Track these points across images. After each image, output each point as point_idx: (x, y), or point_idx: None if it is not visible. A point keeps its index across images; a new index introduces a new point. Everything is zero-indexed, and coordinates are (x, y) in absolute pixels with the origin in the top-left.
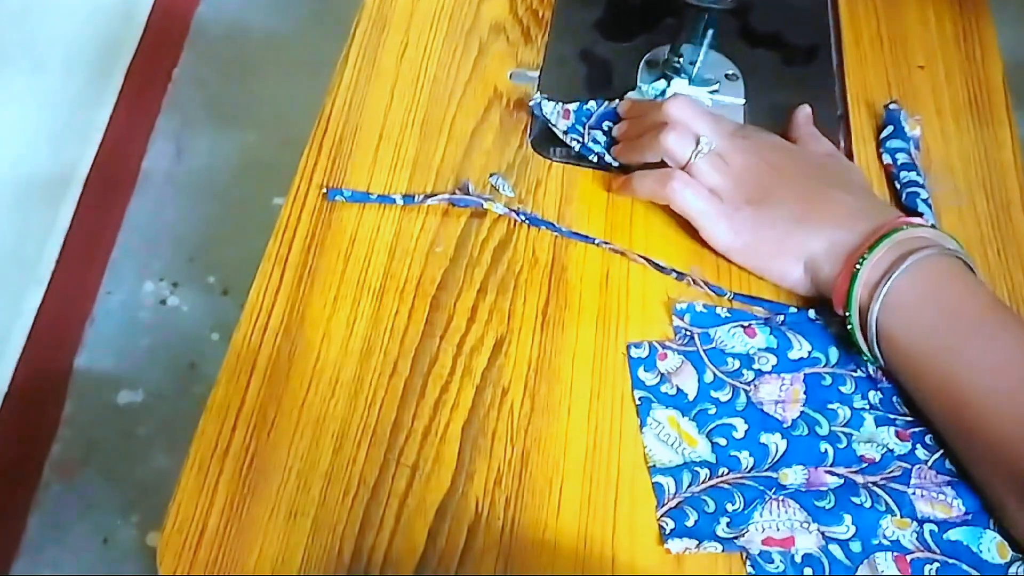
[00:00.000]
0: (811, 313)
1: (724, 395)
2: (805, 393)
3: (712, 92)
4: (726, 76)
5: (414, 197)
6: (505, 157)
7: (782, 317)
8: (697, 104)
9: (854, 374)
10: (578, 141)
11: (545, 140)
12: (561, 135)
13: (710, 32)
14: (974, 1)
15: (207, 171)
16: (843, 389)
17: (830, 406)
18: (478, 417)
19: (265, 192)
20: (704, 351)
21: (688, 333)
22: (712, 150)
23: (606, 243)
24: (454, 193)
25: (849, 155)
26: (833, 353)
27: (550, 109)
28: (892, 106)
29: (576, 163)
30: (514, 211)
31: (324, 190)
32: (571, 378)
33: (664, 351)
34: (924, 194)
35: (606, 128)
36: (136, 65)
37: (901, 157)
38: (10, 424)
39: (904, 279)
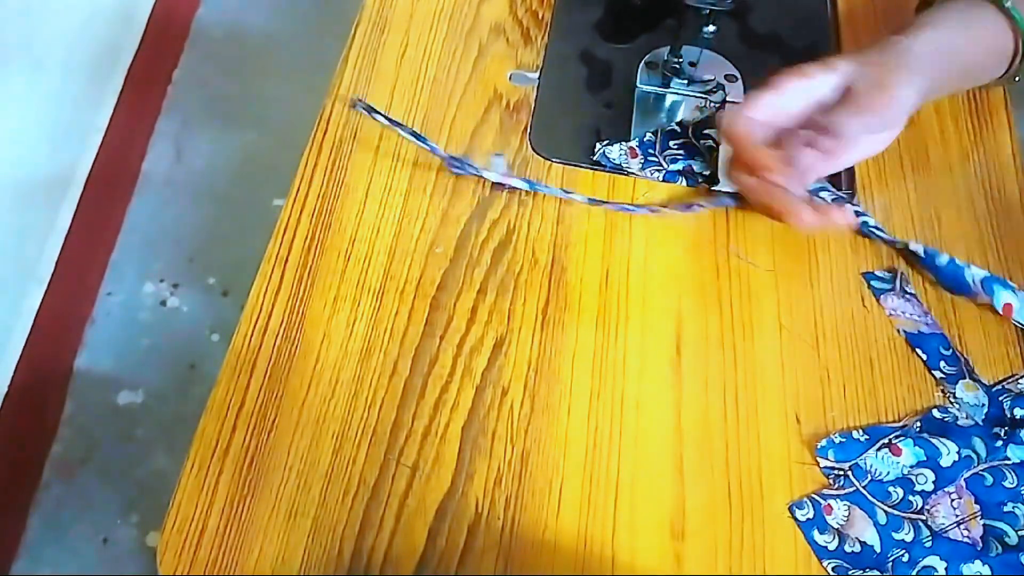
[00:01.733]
0: (936, 412)
1: (907, 535)
2: (977, 502)
3: (711, 92)
4: (726, 77)
5: (429, 143)
6: (505, 157)
7: (918, 424)
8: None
9: (1008, 463)
10: (659, 171)
11: (545, 140)
12: (638, 173)
13: (710, 33)
14: None
15: (207, 172)
16: (1006, 484)
17: (1005, 509)
18: (478, 417)
19: (265, 193)
20: (865, 488)
21: (841, 473)
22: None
23: (605, 202)
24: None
25: None
26: (979, 446)
27: (616, 154)
28: None
29: (576, 164)
30: (510, 178)
31: (352, 100)
32: (571, 378)
33: (827, 503)
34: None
35: (675, 146)
36: (136, 66)
37: None
38: (10, 424)
39: None
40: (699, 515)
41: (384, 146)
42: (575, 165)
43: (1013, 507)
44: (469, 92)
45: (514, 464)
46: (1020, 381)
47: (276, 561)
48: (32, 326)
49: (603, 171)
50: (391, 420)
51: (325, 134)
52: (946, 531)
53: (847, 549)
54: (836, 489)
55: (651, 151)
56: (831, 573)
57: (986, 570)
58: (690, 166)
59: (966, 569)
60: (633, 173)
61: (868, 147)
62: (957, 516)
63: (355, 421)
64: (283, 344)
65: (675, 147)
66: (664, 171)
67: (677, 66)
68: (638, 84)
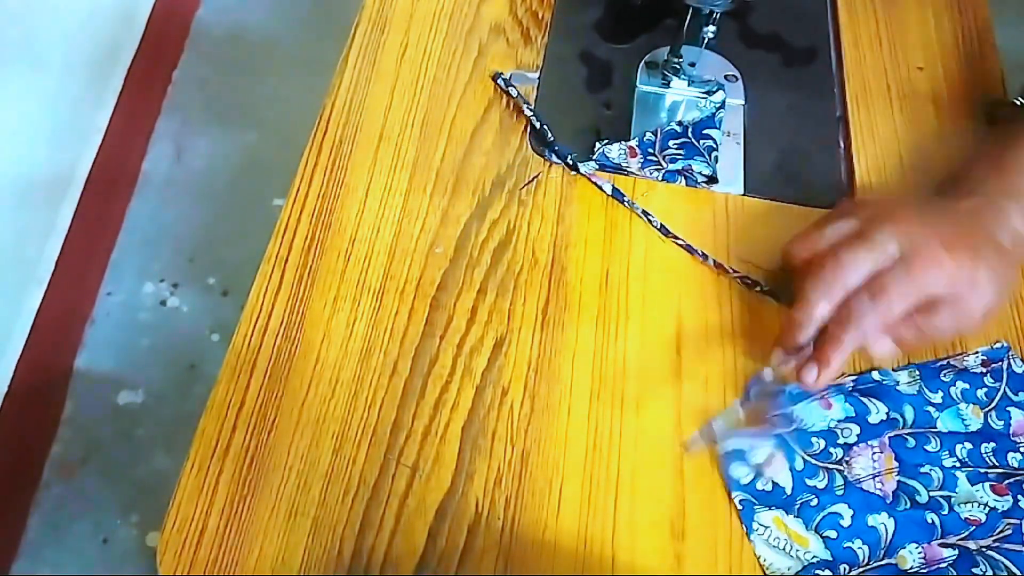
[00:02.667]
0: (875, 374)
1: (820, 482)
2: (897, 460)
3: (711, 93)
4: (726, 77)
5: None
6: (505, 157)
7: (851, 383)
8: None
9: (934, 431)
10: (658, 170)
11: (544, 141)
12: (637, 172)
13: (710, 33)
14: (974, 2)
15: (207, 172)
16: (928, 448)
17: (922, 470)
18: (478, 417)
19: (265, 193)
20: (789, 435)
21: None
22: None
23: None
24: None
25: (849, 156)
26: (909, 412)
27: (615, 153)
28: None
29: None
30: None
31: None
32: (571, 378)
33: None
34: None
35: (674, 146)
36: (136, 66)
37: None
38: (10, 424)
39: None
40: (699, 515)
41: (384, 146)
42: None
43: (930, 469)
44: (469, 92)
45: (514, 464)
46: (966, 358)
47: (276, 561)
48: (32, 326)
49: (603, 171)
50: (391, 420)
51: (325, 134)
52: (860, 482)
53: (758, 486)
54: (764, 428)
55: (650, 150)
56: (737, 505)
57: (891, 523)
58: (689, 166)
59: (871, 520)
60: (632, 173)
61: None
62: (875, 469)
63: (355, 421)
64: (283, 344)
65: (675, 147)
66: (663, 170)
67: (677, 66)
68: (638, 84)
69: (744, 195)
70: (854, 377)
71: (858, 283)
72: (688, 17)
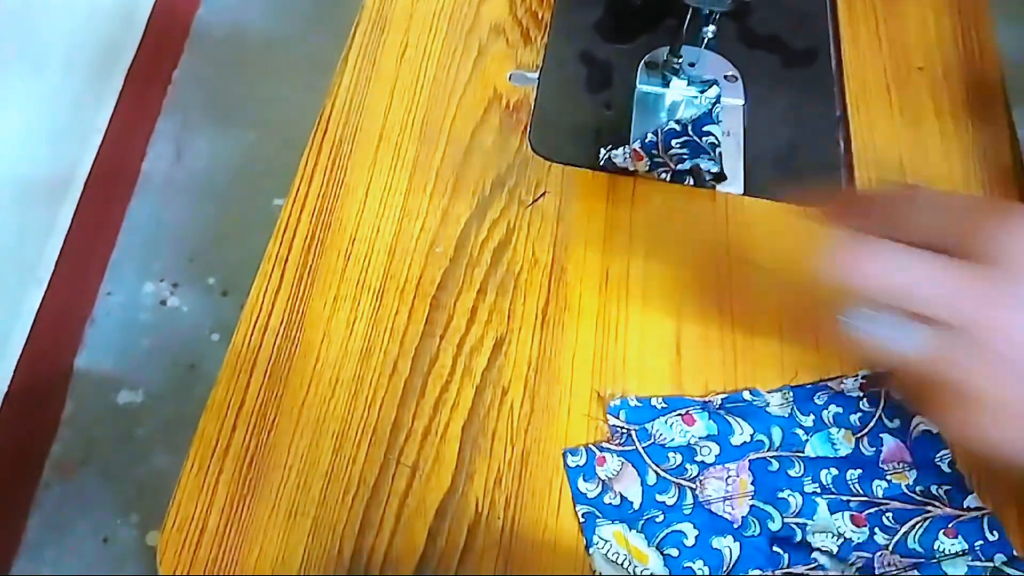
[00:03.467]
0: (746, 394)
1: (670, 498)
2: (753, 484)
3: (704, 90)
4: (725, 77)
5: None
6: (505, 158)
7: (719, 400)
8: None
9: (800, 455)
10: (667, 171)
11: (545, 140)
12: (644, 174)
13: (709, 33)
14: (973, 1)
15: (207, 172)
16: (791, 473)
17: (780, 495)
18: (478, 417)
19: (265, 192)
20: (643, 449)
21: (625, 431)
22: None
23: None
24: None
25: (849, 156)
26: (776, 434)
27: (621, 158)
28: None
29: (576, 164)
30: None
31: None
32: (571, 378)
33: (602, 455)
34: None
35: (677, 145)
36: (136, 66)
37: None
38: (10, 424)
39: None
40: None
41: (384, 146)
42: (575, 165)
43: (789, 494)
44: (469, 92)
45: (514, 464)
46: (843, 381)
47: (276, 561)
48: (32, 326)
49: (604, 171)
50: (391, 420)
51: (325, 134)
52: (710, 503)
53: (606, 500)
54: (616, 445)
55: (655, 151)
56: (580, 519)
57: (736, 547)
58: (697, 164)
59: (716, 542)
60: (642, 175)
61: None
62: (727, 492)
63: (355, 421)
64: (283, 344)
65: (678, 146)
66: (672, 171)
67: (677, 66)
68: (638, 84)
69: (744, 195)
70: (724, 395)
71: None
72: (688, 17)
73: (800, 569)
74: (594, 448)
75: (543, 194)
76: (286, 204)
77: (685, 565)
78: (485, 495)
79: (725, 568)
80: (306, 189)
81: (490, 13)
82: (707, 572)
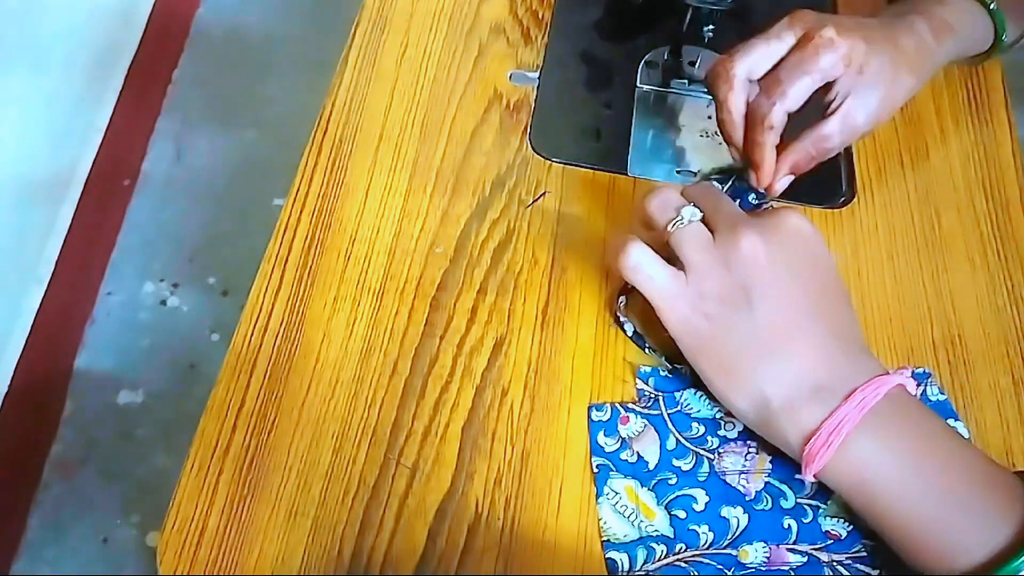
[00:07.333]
0: None
1: (686, 464)
2: (771, 462)
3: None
4: None
5: None
6: (505, 157)
7: None
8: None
9: None
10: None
11: (545, 140)
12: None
13: (709, 33)
14: None
15: (207, 172)
16: None
17: (797, 476)
18: (478, 417)
19: (265, 192)
20: (668, 415)
21: (652, 396)
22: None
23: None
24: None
25: (849, 156)
26: None
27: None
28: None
29: (576, 164)
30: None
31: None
32: (571, 378)
33: (627, 414)
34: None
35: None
36: (136, 66)
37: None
38: (10, 424)
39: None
40: None
41: (384, 146)
42: (575, 165)
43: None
44: (469, 92)
45: (514, 464)
46: None
47: (276, 561)
48: (32, 326)
49: (604, 171)
50: (391, 420)
51: (325, 134)
52: (726, 475)
53: (622, 456)
54: (642, 407)
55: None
56: (593, 469)
57: (745, 518)
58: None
59: (725, 511)
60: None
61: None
62: (744, 468)
63: (355, 421)
64: (283, 344)
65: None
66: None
67: (677, 66)
68: (638, 84)
69: None
70: None
71: (758, 76)
72: (688, 17)
73: (805, 547)
74: (619, 407)
75: (543, 194)
76: (286, 204)
77: (691, 528)
78: (485, 495)
79: (730, 535)
80: (306, 189)
81: (490, 13)
82: (711, 537)
